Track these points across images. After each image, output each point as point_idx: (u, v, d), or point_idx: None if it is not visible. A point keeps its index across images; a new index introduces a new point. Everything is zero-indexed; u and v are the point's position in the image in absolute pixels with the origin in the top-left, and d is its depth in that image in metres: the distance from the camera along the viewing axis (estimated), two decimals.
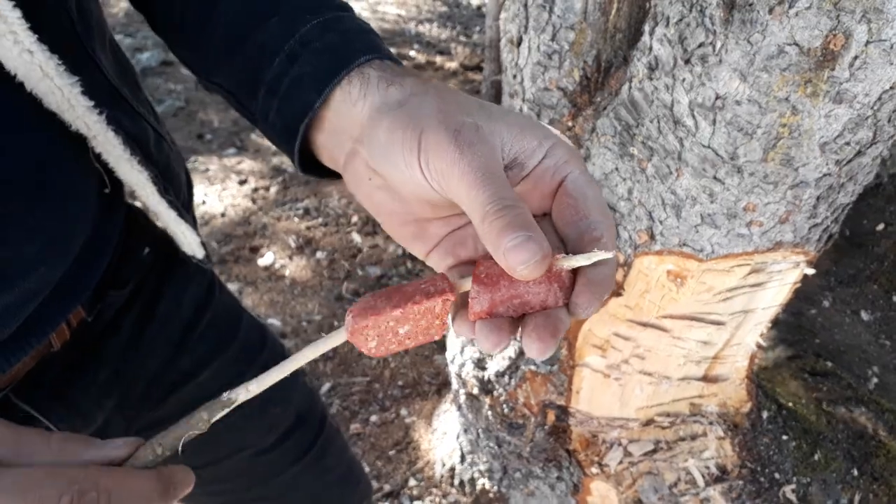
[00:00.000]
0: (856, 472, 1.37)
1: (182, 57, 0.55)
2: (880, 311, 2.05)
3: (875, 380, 1.80)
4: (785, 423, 1.39)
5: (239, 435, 0.78)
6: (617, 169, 0.99)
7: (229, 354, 0.75)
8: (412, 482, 1.65)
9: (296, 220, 2.53)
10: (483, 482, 1.56)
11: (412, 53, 3.87)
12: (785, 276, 1.06)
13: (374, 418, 1.82)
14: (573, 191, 0.38)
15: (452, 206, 0.39)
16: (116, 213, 0.60)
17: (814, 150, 0.80)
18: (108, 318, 0.62)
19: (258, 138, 3.00)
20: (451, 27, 4.35)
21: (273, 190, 2.69)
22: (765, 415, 1.37)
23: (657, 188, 0.94)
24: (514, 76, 1.14)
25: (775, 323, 1.30)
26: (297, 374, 0.75)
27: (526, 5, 1.04)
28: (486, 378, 1.36)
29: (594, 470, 1.31)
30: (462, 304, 0.38)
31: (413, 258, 2.33)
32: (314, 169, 0.49)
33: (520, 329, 0.36)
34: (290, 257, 2.36)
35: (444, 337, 1.66)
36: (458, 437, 1.63)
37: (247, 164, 2.85)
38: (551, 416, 1.31)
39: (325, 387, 1.89)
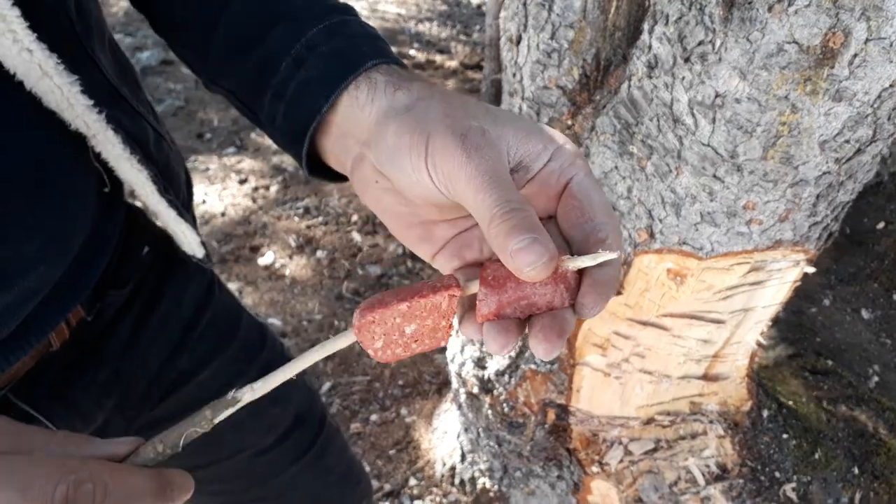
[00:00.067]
0: (856, 471, 1.37)
1: (183, 56, 0.55)
2: (881, 309, 2.05)
3: (875, 378, 1.80)
4: (785, 422, 1.39)
5: (238, 435, 0.78)
6: (616, 167, 0.99)
7: (229, 354, 0.75)
8: (412, 481, 1.65)
9: (296, 219, 2.52)
10: (483, 481, 1.56)
11: (412, 52, 3.87)
12: (785, 274, 1.06)
13: (374, 417, 1.82)
14: (578, 193, 0.38)
15: (459, 208, 0.39)
16: (116, 212, 0.60)
17: (813, 148, 0.80)
18: (108, 317, 0.62)
19: (258, 137, 3.01)
20: (451, 26, 4.35)
21: (273, 189, 2.69)
22: (765, 413, 1.37)
23: (657, 186, 0.94)
24: (514, 75, 1.14)
25: (775, 321, 1.30)
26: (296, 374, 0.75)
27: (525, 4, 1.04)
28: (486, 377, 1.36)
29: (594, 469, 1.31)
30: (469, 306, 0.38)
31: (413, 257, 2.33)
32: (321, 172, 0.49)
33: (526, 329, 0.36)
34: (291, 256, 2.36)
35: None
36: (458, 437, 1.63)
37: (247, 163, 2.85)
38: (551, 415, 1.31)
39: (326, 386, 1.89)
